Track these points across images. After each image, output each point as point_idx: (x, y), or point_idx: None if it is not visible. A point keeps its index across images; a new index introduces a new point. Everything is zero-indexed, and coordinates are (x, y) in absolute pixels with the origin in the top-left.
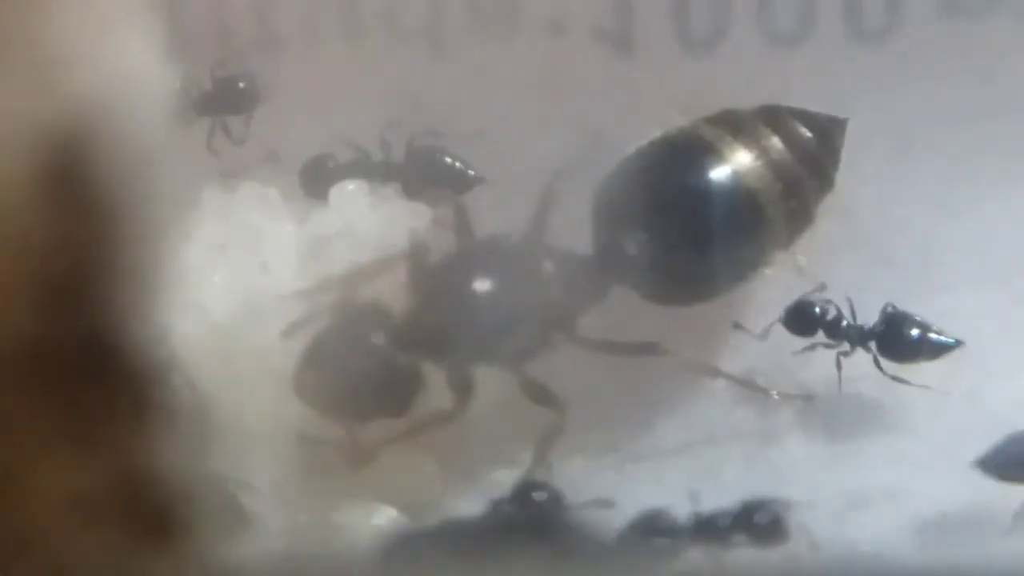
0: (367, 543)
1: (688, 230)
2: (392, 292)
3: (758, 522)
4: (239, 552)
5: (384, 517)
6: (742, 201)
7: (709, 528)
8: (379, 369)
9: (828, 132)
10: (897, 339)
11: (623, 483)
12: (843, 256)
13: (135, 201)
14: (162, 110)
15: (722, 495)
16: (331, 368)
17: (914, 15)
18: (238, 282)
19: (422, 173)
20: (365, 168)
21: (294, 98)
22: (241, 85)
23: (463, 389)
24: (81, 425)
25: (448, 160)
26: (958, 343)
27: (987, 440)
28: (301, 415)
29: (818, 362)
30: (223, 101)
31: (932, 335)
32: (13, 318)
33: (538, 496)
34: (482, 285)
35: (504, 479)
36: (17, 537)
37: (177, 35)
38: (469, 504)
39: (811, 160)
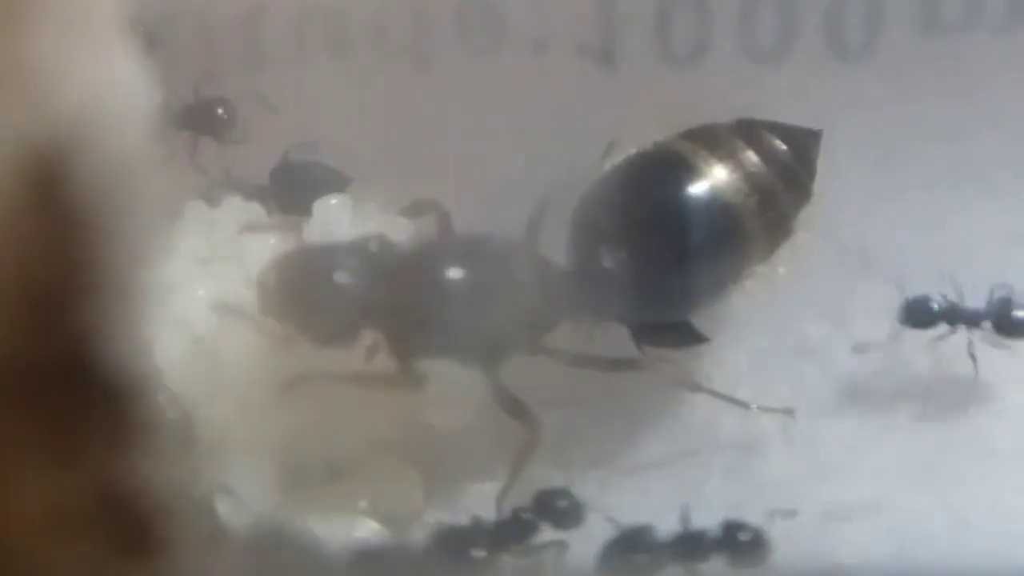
0: (349, 555)
1: (666, 245)
2: None
3: (741, 540)
4: (219, 565)
5: (366, 530)
6: (719, 214)
7: (690, 545)
8: (332, 298)
9: (802, 144)
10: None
11: (606, 497)
12: (823, 268)
13: (118, 216)
14: (145, 125)
15: (705, 508)
16: (296, 279)
17: (893, 32)
18: (221, 296)
19: (288, 187)
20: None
21: (281, 113)
22: (219, 111)
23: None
24: (62, 439)
25: (318, 169)
26: None
27: (967, 455)
28: (285, 429)
29: (798, 376)
30: (202, 119)
31: None
32: None
33: (561, 504)
34: (454, 273)
35: (486, 493)
36: None
37: (163, 51)
38: (451, 517)
39: (787, 172)
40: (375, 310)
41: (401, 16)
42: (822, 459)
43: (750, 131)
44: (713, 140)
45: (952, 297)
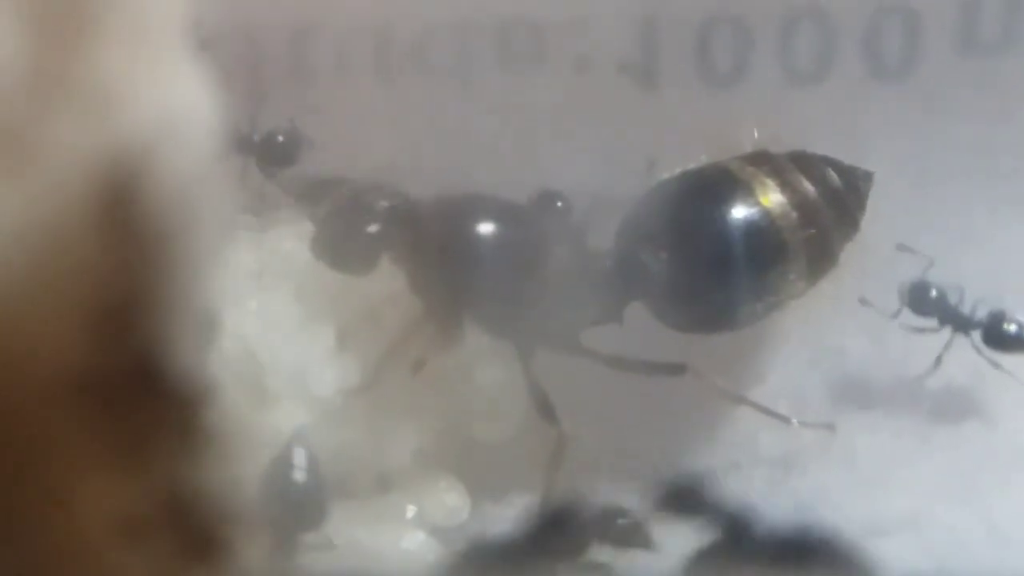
0: (399, 566)
1: (706, 250)
2: None
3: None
4: (278, 572)
5: (414, 541)
6: (761, 227)
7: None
8: (356, 227)
9: (854, 180)
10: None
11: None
12: (861, 285)
13: (181, 231)
14: (211, 143)
15: None
16: (336, 229)
17: (932, 53)
18: (273, 309)
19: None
20: None
21: (326, 132)
22: (280, 139)
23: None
24: (128, 446)
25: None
26: None
27: (1007, 469)
28: (334, 440)
29: (838, 392)
30: (265, 153)
31: None
32: (64, 343)
33: (622, 522)
34: (484, 227)
35: (529, 504)
36: (66, 555)
37: (213, 68)
38: (498, 528)
39: (836, 199)
40: (399, 244)
41: (444, 35)
42: (862, 474)
43: (804, 161)
44: (765, 161)
45: (953, 300)
